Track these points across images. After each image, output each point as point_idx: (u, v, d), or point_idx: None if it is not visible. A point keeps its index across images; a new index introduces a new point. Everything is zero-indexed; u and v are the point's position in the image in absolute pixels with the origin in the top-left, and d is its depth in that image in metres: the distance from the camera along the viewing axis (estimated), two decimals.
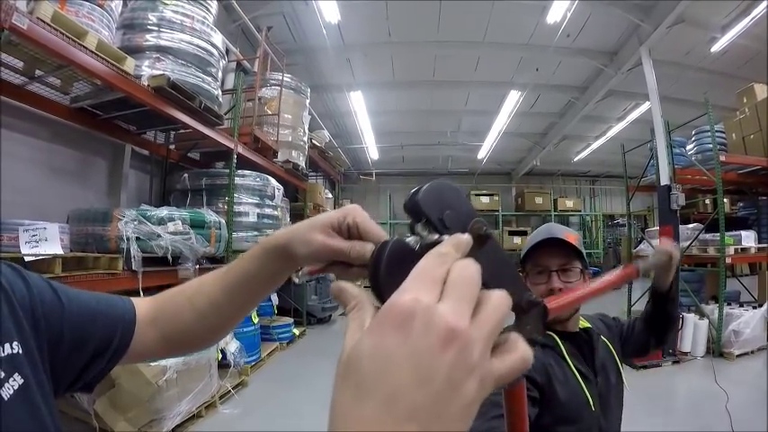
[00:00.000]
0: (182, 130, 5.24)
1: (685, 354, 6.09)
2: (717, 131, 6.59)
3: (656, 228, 7.92)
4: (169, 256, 3.73)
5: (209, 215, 4.38)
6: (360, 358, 0.28)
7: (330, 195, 12.32)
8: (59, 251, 2.99)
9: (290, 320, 7.09)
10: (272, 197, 5.77)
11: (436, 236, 0.40)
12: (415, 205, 0.41)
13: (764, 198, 8.03)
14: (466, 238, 0.36)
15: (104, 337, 0.63)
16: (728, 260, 6.25)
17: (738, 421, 3.53)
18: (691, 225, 7.14)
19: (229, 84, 6.24)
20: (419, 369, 0.27)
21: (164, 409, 3.57)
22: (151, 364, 3.34)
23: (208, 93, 4.45)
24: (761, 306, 6.39)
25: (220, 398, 4.37)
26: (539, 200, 15.27)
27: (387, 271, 0.38)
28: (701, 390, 4.96)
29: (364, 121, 11.05)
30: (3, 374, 0.49)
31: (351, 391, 0.28)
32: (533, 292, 0.45)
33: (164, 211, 3.85)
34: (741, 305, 6.72)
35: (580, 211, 16.19)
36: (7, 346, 0.51)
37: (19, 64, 3.35)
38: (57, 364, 0.57)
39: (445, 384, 0.27)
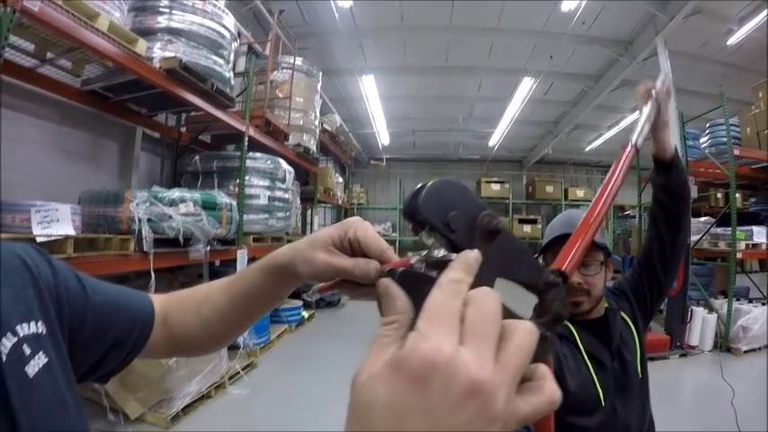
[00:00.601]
0: (193, 113, 5.24)
1: (693, 347, 6.09)
2: (731, 125, 6.48)
3: None
4: (180, 238, 3.74)
5: (221, 197, 4.37)
6: (373, 406, 0.27)
7: (341, 180, 12.34)
8: (71, 232, 3.00)
9: (300, 303, 7.13)
10: (283, 180, 5.76)
11: (442, 252, 0.38)
12: (415, 212, 0.38)
13: None
14: (474, 255, 0.34)
15: (124, 331, 0.64)
16: (739, 255, 6.19)
17: (744, 417, 3.52)
18: (702, 218, 7.06)
19: (241, 67, 6.21)
20: (437, 428, 0.25)
21: (173, 390, 3.63)
22: None
23: (220, 75, 4.43)
24: None
25: (230, 379, 4.44)
26: (549, 188, 15.09)
27: None
28: (708, 384, 4.96)
29: (376, 106, 10.94)
30: (29, 351, 0.48)
31: None
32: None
33: (175, 193, 3.84)
34: (750, 301, 6.68)
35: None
36: (33, 324, 0.50)
37: (30, 47, 3.35)
38: (75, 351, 0.57)
39: None
